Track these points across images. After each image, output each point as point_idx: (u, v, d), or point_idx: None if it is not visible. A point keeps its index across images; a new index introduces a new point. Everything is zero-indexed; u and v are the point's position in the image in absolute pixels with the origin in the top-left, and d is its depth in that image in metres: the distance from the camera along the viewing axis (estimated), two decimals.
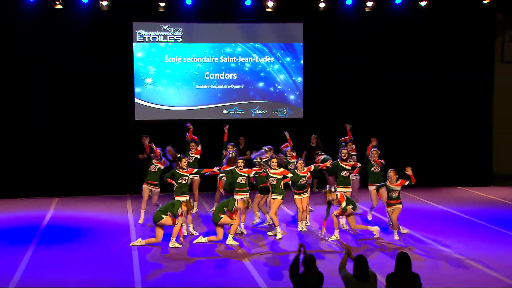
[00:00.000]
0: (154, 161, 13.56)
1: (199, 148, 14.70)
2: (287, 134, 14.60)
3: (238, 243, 11.95)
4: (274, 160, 12.75)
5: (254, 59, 17.98)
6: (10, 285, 9.69)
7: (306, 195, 12.97)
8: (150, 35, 17.46)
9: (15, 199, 16.16)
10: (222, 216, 11.90)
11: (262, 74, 18.03)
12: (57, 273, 10.35)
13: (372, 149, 13.81)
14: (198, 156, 14.68)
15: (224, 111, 17.88)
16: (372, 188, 13.58)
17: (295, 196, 12.98)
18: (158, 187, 13.60)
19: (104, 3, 16.03)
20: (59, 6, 15.86)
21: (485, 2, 17.27)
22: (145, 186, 13.59)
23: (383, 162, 13.71)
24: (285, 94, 18.15)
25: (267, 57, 18.01)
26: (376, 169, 13.68)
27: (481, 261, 10.82)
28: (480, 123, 18.66)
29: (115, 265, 10.79)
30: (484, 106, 18.69)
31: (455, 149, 18.33)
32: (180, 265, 10.74)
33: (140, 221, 13.56)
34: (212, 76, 17.83)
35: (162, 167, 13.58)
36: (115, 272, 10.41)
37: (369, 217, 13.96)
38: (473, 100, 18.53)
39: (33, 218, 14.01)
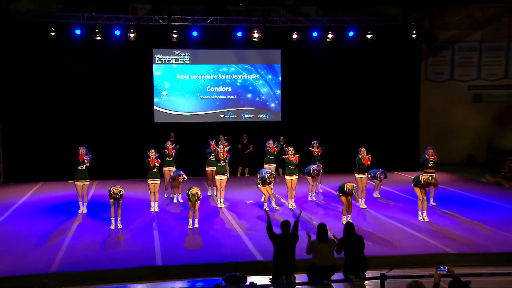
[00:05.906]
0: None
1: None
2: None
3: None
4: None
5: (244, 76, 18.22)
6: (65, 240, 10.21)
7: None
8: (166, 58, 17.67)
9: (67, 182, 16.00)
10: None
11: (250, 88, 18.28)
12: (99, 233, 10.76)
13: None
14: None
15: (221, 116, 18.11)
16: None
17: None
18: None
19: (132, 35, 16.33)
20: (98, 38, 16.21)
21: (413, 36, 17.77)
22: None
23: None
24: (268, 103, 18.40)
25: (253, 75, 18.25)
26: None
27: (413, 226, 11.13)
28: (410, 124, 18.96)
29: (140, 228, 11.10)
30: (413, 113, 19.01)
31: (393, 145, 18.58)
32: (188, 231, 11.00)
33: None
34: (212, 89, 18.06)
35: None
36: (140, 233, 10.73)
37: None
38: (405, 108, 18.79)
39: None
